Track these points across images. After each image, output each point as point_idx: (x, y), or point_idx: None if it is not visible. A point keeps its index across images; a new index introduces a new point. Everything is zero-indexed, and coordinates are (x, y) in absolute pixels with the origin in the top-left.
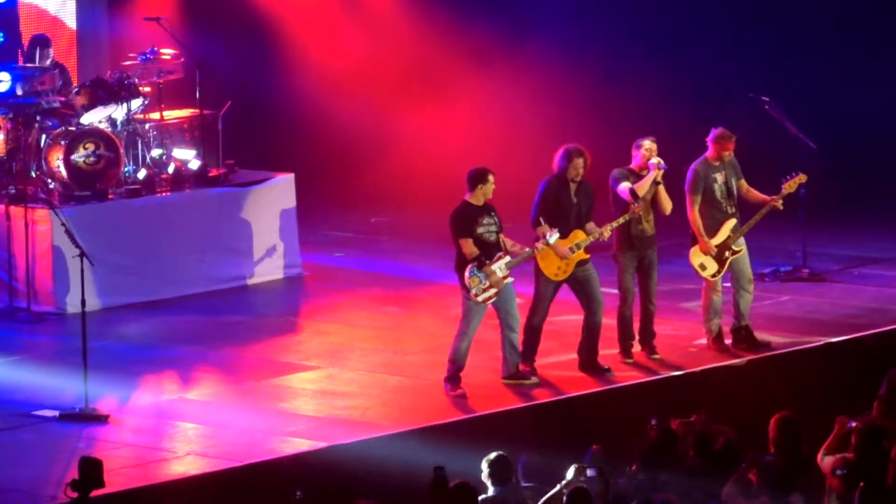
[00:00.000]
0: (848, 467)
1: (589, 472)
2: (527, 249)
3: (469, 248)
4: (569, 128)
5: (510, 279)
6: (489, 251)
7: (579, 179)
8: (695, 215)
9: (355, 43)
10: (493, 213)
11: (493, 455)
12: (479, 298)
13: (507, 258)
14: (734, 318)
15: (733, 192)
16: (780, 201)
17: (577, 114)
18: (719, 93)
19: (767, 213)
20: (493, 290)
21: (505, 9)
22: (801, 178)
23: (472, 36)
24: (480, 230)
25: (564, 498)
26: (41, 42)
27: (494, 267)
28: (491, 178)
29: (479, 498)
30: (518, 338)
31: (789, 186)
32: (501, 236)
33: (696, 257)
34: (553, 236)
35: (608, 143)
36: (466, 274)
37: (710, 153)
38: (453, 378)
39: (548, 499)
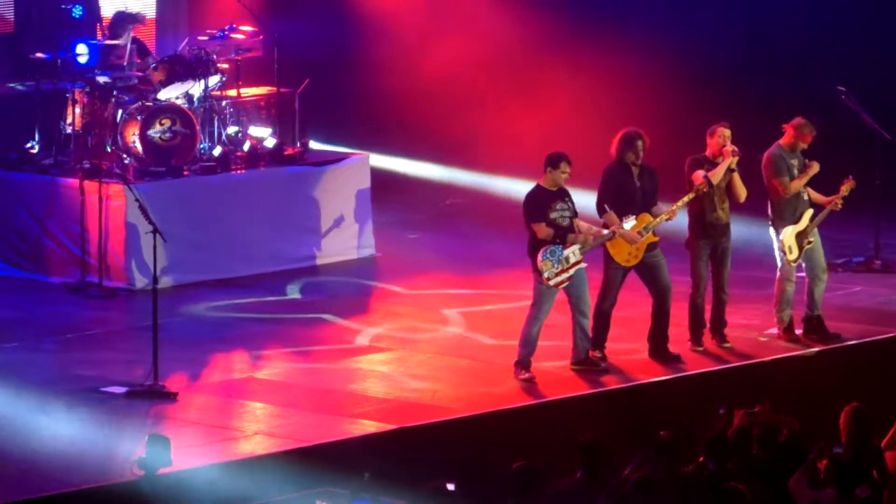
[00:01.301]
0: None
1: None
2: (604, 233)
3: (543, 231)
4: (650, 116)
5: (583, 264)
6: (563, 236)
7: (640, 163)
8: (789, 192)
9: (439, 26)
10: (566, 198)
11: (584, 437)
12: (552, 283)
13: (580, 243)
14: (807, 307)
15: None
16: (840, 203)
17: (655, 102)
18: (795, 81)
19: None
20: (565, 275)
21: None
22: (851, 184)
23: (558, 26)
24: (553, 215)
25: (630, 485)
26: (126, 18)
27: (568, 252)
28: (563, 165)
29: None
30: (589, 324)
31: (845, 189)
32: (576, 221)
33: (789, 239)
34: (628, 223)
35: (684, 130)
36: (539, 258)
37: (785, 139)
38: (523, 362)
39: None
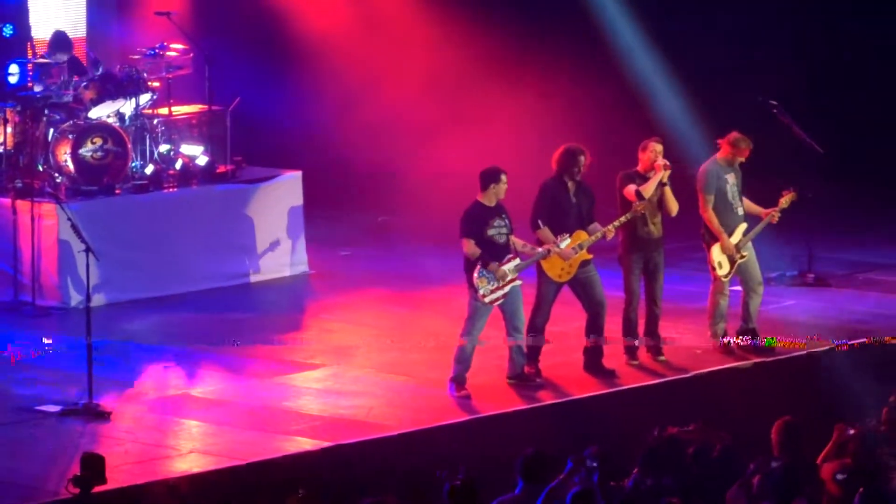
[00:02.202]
0: (848, 472)
1: (589, 464)
2: (539, 251)
3: (470, 248)
4: (577, 129)
5: (518, 281)
6: (499, 253)
7: (579, 179)
8: (711, 214)
9: (366, 42)
10: (504, 215)
11: (529, 451)
12: (487, 299)
13: (517, 260)
14: (742, 319)
15: (740, 195)
16: (777, 215)
17: (584, 114)
18: (725, 95)
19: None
20: (500, 292)
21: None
22: (793, 195)
23: (487, 40)
24: (491, 232)
25: (568, 499)
26: (62, 41)
27: (505, 268)
28: (503, 177)
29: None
30: (523, 339)
31: (784, 202)
32: (512, 238)
33: (717, 255)
34: (564, 241)
35: (612, 144)
36: (475, 274)
37: (722, 154)
38: (459, 378)
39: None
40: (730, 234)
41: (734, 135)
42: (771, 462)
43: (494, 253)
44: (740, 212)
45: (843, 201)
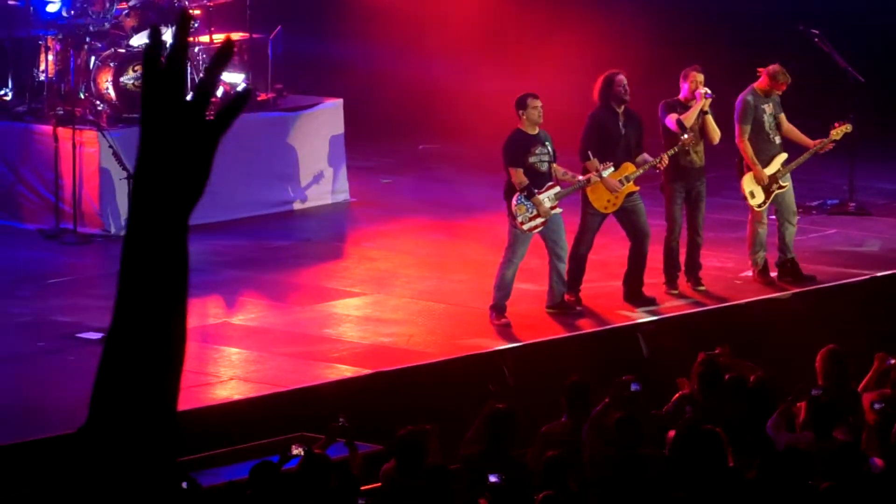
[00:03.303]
0: (886, 402)
1: (633, 388)
2: (579, 179)
3: (518, 177)
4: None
5: (558, 210)
6: (540, 180)
7: (626, 100)
8: (746, 144)
9: None
10: (546, 143)
11: (572, 379)
12: (525, 227)
13: (557, 188)
14: (779, 251)
15: (780, 125)
16: (829, 145)
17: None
18: (767, 22)
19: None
20: (539, 220)
21: None
22: (847, 127)
23: None
24: (532, 159)
25: (615, 424)
26: None
27: (542, 196)
28: (530, 101)
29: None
30: (565, 268)
31: (836, 133)
32: (554, 165)
33: (749, 184)
34: (607, 171)
35: (659, 74)
36: (514, 202)
37: (760, 83)
38: (498, 306)
39: None
40: (767, 164)
41: (774, 67)
42: (812, 390)
43: (535, 180)
44: (777, 141)
45: (884, 130)
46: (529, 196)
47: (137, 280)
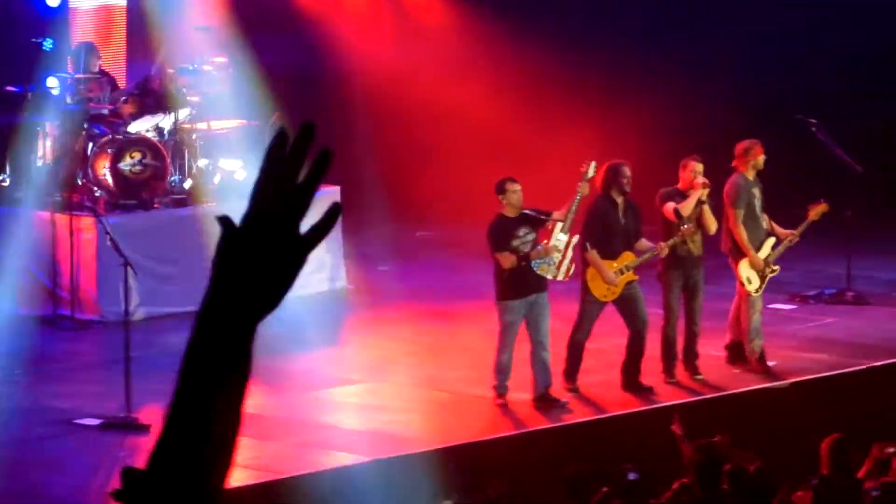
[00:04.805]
0: (884, 489)
1: (630, 477)
2: (580, 189)
3: (507, 261)
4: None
5: (576, 237)
6: (526, 257)
7: (628, 190)
8: (740, 229)
9: (407, 53)
10: (528, 222)
11: (572, 468)
12: (560, 277)
13: (560, 223)
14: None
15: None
16: (797, 238)
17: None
18: (763, 113)
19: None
20: (567, 260)
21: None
22: (823, 207)
23: (518, 43)
24: (515, 242)
25: None
26: (88, 49)
27: (553, 242)
28: (509, 186)
29: None
30: (548, 356)
31: (815, 214)
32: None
33: (745, 270)
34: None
35: (657, 161)
36: (535, 269)
37: (742, 168)
38: (501, 387)
39: None
40: (758, 249)
41: (741, 145)
42: (812, 479)
43: (524, 258)
44: (765, 225)
45: (882, 219)
46: (528, 261)
47: (199, 379)
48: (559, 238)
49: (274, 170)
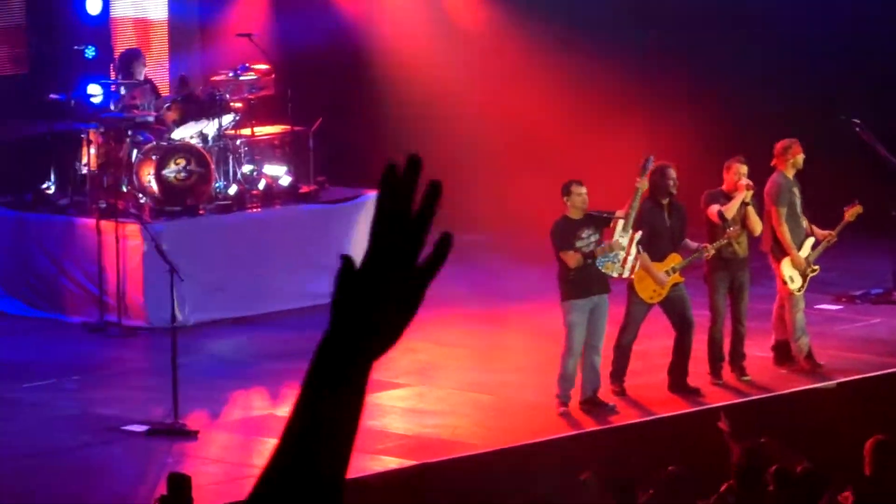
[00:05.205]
0: None
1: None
2: (636, 194)
3: (573, 259)
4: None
5: (639, 233)
6: (591, 254)
7: (674, 192)
8: (784, 229)
9: (457, 60)
10: (592, 224)
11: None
12: (626, 274)
13: (621, 221)
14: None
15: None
16: (835, 239)
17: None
18: (809, 114)
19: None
20: (631, 258)
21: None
22: (858, 208)
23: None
24: (579, 244)
25: None
26: (133, 56)
27: (615, 239)
28: (574, 188)
29: None
30: (599, 360)
31: (850, 215)
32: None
33: (787, 269)
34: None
35: (699, 162)
36: (599, 267)
37: (782, 167)
38: (563, 396)
39: None
40: (798, 248)
41: (780, 144)
42: (855, 480)
43: (587, 265)
44: (805, 224)
45: None
46: (593, 258)
47: (315, 410)
48: (622, 235)
49: (388, 206)
